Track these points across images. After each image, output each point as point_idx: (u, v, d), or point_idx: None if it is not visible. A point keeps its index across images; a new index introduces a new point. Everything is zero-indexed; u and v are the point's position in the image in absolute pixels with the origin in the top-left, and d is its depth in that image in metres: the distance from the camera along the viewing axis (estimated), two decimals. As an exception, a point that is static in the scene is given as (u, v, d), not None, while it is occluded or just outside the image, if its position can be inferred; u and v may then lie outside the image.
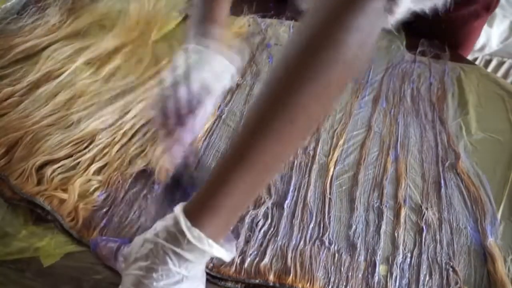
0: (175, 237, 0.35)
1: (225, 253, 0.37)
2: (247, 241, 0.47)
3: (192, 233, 0.35)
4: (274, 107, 0.35)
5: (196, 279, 0.38)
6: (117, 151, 0.55)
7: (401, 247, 0.48)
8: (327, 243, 0.48)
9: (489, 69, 1.26)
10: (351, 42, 0.33)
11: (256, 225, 0.49)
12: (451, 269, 0.47)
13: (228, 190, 0.35)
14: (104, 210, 0.49)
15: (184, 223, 0.35)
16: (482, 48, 1.21)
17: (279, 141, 0.35)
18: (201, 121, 0.50)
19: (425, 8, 0.38)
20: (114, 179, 0.52)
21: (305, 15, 0.35)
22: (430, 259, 0.48)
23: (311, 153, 0.59)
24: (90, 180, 0.51)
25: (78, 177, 0.51)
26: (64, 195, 0.48)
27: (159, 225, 0.37)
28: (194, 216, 0.35)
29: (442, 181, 0.56)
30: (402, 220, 0.51)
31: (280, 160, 0.38)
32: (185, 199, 0.38)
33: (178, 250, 0.35)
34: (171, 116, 0.47)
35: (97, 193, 0.50)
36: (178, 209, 0.36)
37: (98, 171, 0.53)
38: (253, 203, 0.51)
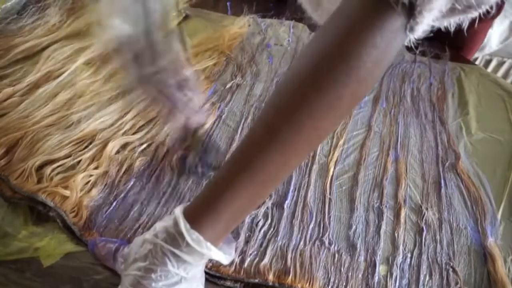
0: (174, 238, 0.35)
1: (223, 256, 0.36)
2: (247, 241, 0.47)
3: (191, 236, 0.34)
4: (282, 116, 0.34)
5: (195, 280, 0.38)
6: (117, 151, 0.55)
7: (401, 247, 0.48)
8: (327, 243, 0.48)
9: (489, 69, 1.26)
10: (366, 58, 0.32)
11: (256, 225, 0.49)
12: (451, 269, 0.47)
13: (229, 196, 0.35)
14: (104, 210, 0.49)
15: (183, 225, 0.35)
16: (482, 48, 1.21)
17: (284, 151, 0.35)
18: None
19: (449, 26, 0.37)
20: (115, 179, 0.52)
21: (321, 26, 0.35)
22: (430, 259, 0.48)
23: (311, 153, 0.58)
24: (90, 177, 0.51)
25: (79, 175, 0.51)
26: (66, 192, 0.48)
27: (159, 225, 0.37)
28: (194, 218, 0.35)
29: (442, 181, 0.56)
30: (402, 220, 0.51)
31: (284, 170, 0.38)
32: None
33: (177, 251, 0.35)
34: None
35: (97, 191, 0.50)
36: (178, 210, 0.36)
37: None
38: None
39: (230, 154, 0.42)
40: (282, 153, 0.35)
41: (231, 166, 0.36)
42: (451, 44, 0.81)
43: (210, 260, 0.44)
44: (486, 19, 0.81)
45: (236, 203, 0.36)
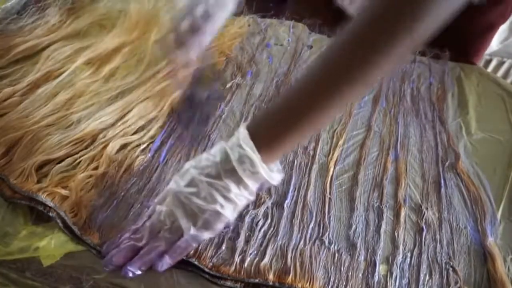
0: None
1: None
2: (247, 241, 0.47)
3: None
4: (339, 70, 0.39)
5: None
6: (117, 151, 0.55)
7: (401, 247, 0.48)
8: (327, 243, 0.48)
9: (489, 69, 1.26)
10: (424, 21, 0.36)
11: (256, 224, 0.49)
12: (451, 268, 0.47)
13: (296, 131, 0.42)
14: (104, 209, 0.49)
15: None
16: (482, 48, 1.21)
17: (341, 99, 0.41)
18: (201, 43, 0.56)
19: None
20: (114, 179, 0.52)
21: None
22: (430, 258, 0.48)
23: (311, 153, 0.59)
24: (90, 177, 0.51)
25: (79, 175, 0.51)
26: (66, 192, 0.48)
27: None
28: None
29: (442, 181, 0.56)
30: (402, 220, 0.51)
31: (338, 110, 0.47)
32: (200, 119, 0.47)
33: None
34: (174, 42, 0.54)
35: (97, 191, 0.50)
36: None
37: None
38: (253, 203, 0.51)
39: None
40: (339, 101, 0.41)
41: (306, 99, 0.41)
42: (461, 52, 0.79)
43: (211, 260, 0.45)
44: (497, 25, 0.79)
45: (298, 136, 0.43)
